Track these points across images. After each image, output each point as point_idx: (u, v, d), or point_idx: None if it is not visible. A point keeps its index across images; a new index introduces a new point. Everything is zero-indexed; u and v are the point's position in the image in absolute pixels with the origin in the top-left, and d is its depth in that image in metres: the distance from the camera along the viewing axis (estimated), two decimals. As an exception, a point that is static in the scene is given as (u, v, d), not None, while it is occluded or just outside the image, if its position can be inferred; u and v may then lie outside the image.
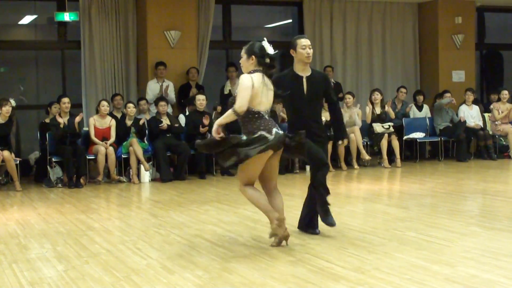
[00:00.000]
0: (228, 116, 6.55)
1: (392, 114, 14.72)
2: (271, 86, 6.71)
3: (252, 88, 6.48)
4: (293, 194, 10.38)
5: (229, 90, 14.87)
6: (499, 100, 15.92)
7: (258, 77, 6.58)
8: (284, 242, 6.73)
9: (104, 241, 7.38)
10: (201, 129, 13.12)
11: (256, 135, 6.49)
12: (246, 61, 6.70)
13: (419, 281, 5.36)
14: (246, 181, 6.75)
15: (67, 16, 13.96)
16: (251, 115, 6.54)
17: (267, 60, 6.65)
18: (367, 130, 14.53)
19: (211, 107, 14.39)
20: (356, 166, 14.04)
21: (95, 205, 10.28)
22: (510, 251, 6.37)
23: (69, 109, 12.48)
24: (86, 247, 7.06)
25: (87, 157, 12.47)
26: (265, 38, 6.84)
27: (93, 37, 14.39)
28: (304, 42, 7.19)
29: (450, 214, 8.53)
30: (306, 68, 7.28)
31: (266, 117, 6.62)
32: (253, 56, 6.64)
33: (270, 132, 6.51)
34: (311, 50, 7.29)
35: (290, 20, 17.17)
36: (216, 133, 6.52)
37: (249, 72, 6.63)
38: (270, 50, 6.69)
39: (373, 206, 9.31)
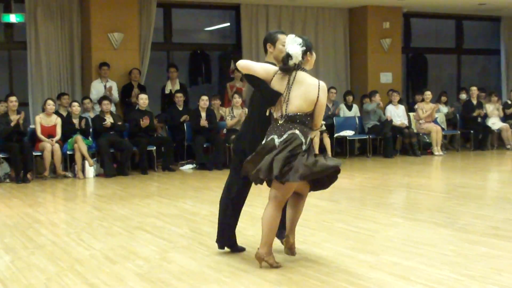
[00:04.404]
0: None
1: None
2: None
3: None
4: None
5: (170, 90, 15.03)
6: (423, 100, 16.48)
7: None
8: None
9: (49, 233, 7.46)
10: (142, 123, 13.29)
11: None
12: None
13: (345, 269, 5.61)
14: None
15: (13, 18, 14.00)
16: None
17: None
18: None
19: (151, 106, 14.58)
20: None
21: (41, 199, 10.37)
22: (430, 240, 6.69)
23: (16, 107, 12.54)
24: (32, 239, 7.13)
25: (34, 154, 12.49)
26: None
27: (39, 38, 14.34)
28: (284, 39, 5.85)
29: (376, 207, 8.87)
30: None
31: None
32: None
33: None
34: None
35: (229, 24, 17.14)
36: None
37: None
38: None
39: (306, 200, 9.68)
